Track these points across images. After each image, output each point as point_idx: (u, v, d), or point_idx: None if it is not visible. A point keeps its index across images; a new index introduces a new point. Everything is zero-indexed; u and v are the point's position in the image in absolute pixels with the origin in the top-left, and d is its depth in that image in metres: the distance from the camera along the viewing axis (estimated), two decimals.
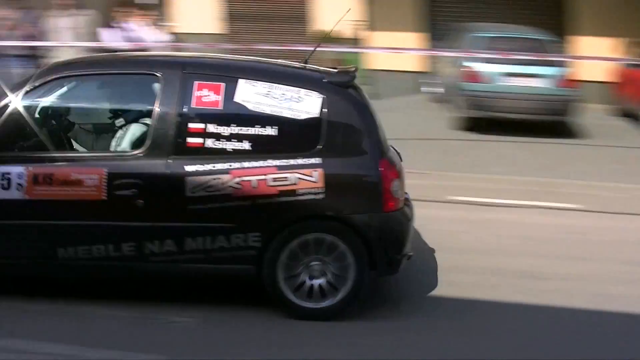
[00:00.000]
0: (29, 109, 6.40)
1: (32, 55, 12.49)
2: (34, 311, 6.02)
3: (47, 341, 5.55)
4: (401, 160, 6.88)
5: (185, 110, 6.16)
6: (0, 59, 12.49)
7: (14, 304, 6.11)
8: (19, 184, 6.07)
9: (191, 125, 6.12)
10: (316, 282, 6.20)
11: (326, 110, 6.21)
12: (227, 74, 6.35)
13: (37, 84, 6.38)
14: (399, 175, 6.40)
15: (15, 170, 6.08)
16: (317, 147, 6.15)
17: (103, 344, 5.63)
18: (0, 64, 12.29)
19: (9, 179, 6.07)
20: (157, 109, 6.19)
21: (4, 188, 6.07)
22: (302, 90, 6.26)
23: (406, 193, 6.88)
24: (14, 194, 6.06)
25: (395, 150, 6.97)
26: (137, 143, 6.38)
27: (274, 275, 6.15)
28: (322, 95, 6.24)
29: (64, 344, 5.48)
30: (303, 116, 6.19)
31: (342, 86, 6.41)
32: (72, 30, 12.43)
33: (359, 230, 6.15)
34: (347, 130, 6.29)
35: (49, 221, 6.14)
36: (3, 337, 5.63)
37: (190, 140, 6.11)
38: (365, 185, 6.24)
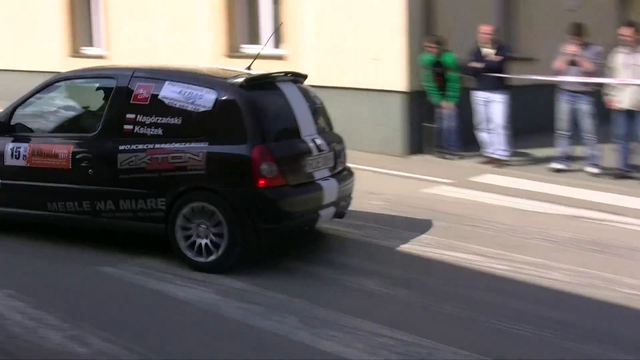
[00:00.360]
0: (35, 104, 9.20)
1: (587, 92, 12.98)
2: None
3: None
4: (318, 151, 8.36)
5: (126, 104, 8.22)
6: (560, 93, 13.31)
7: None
8: (24, 155, 8.67)
9: (128, 115, 8.16)
10: (203, 241, 7.88)
11: (217, 105, 7.90)
12: (159, 77, 8.35)
13: (40, 88, 9.12)
14: (276, 160, 7.79)
15: (23, 145, 8.71)
16: (207, 133, 7.88)
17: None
18: (560, 98, 13.32)
19: (19, 152, 8.70)
20: (109, 103, 8.41)
21: (16, 158, 8.72)
22: (205, 89, 8.00)
23: (326, 179, 8.42)
24: (21, 162, 8.69)
25: (316, 144, 8.38)
26: None
27: (174, 234, 7.96)
28: (217, 94, 7.93)
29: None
30: (201, 109, 7.92)
31: (238, 86, 8.03)
32: (634, 68, 12.44)
33: (230, 201, 7.75)
34: (232, 122, 7.84)
35: (41, 183, 8.63)
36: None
37: (126, 127, 8.15)
38: (238, 166, 7.80)
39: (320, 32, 15.41)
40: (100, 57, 20.27)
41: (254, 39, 17.03)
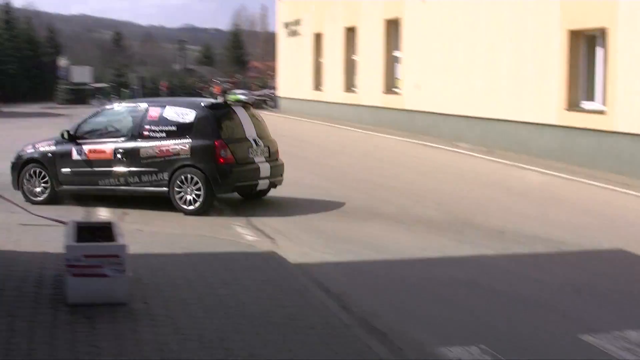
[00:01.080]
0: (91, 122, 15.03)
1: None
2: None
3: None
4: (256, 145, 14.38)
5: (145, 120, 14.17)
6: None
7: None
8: (85, 152, 14.41)
9: (146, 126, 14.10)
10: (189, 196, 13.68)
11: (196, 118, 13.92)
12: (162, 104, 14.57)
13: (94, 114, 15.36)
14: (229, 148, 13.72)
15: (85, 146, 14.46)
16: (190, 134, 13.81)
17: None
18: None
19: (81, 151, 14.43)
20: (135, 118, 14.32)
21: (79, 154, 14.39)
22: (189, 110, 14.08)
23: (262, 162, 14.38)
24: (83, 156, 14.42)
25: (255, 142, 14.36)
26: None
27: (172, 194, 13.75)
28: (195, 112, 13.99)
29: None
30: (187, 121, 13.93)
31: (206, 107, 14.20)
32: None
33: (204, 172, 13.57)
34: (204, 127, 13.88)
35: (95, 168, 14.30)
36: None
37: (144, 132, 14.07)
38: (207, 151, 13.66)
39: None
40: (598, 112, 19.84)
41: None
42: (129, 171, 13.94)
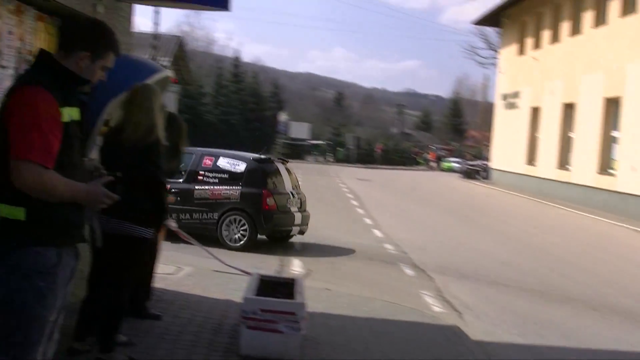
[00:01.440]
0: None
1: None
2: None
3: None
4: (292, 197, 16.60)
5: (200, 166, 16.23)
6: None
7: None
8: None
9: (200, 171, 16.17)
10: (235, 235, 15.75)
11: (246, 169, 16.06)
12: (216, 155, 16.57)
13: None
14: (272, 195, 15.81)
15: None
16: (241, 182, 15.94)
17: None
18: None
19: None
20: (190, 165, 16.11)
21: None
22: (240, 161, 16.24)
23: (296, 211, 16.58)
24: None
25: (291, 193, 16.62)
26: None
27: (221, 233, 15.80)
28: (245, 164, 16.16)
29: None
30: (239, 170, 16.05)
31: (255, 161, 16.40)
32: None
33: (251, 215, 15.70)
34: (252, 177, 15.99)
35: None
36: None
37: (199, 177, 16.15)
38: (255, 198, 15.73)
39: None
40: None
41: None
42: (182, 209, 15.83)
